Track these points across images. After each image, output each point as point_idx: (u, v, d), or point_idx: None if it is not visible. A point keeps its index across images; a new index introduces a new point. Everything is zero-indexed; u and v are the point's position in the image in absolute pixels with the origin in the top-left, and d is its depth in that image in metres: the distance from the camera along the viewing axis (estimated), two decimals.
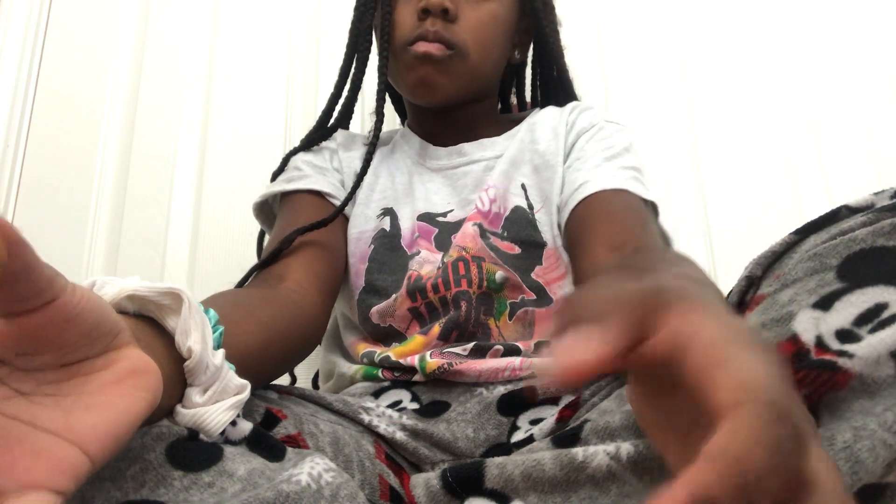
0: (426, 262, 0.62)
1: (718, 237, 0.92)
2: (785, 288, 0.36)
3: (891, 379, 0.29)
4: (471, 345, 0.57)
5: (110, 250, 0.94)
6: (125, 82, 1.02)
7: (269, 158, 0.95)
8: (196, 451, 0.31)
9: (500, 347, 0.58)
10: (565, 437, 0.41)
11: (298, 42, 1.04)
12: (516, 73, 0.82)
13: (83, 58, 1.03)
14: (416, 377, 0.56)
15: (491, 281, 0.60)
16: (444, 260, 0.62)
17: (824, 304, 0.32)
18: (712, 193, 0.94)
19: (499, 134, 0.71)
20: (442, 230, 0.65)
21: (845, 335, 0.31)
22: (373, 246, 0.65)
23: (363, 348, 0.62)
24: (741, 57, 1.00)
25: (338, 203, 0.65)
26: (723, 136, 0.96)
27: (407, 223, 0.66)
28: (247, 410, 0.40)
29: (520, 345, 0.58)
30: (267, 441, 0.36)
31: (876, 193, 0.36)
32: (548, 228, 0.64)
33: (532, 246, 0.63)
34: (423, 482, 0.43)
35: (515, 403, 0.54)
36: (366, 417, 0.51)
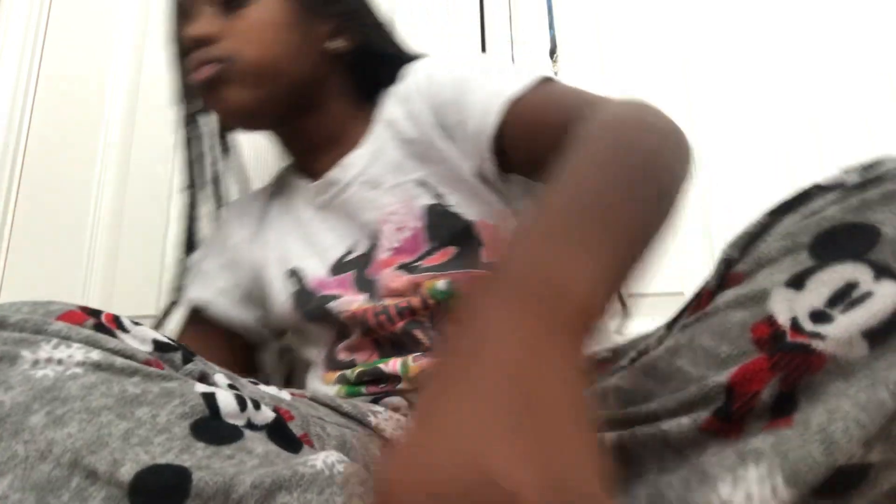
0: (353, 302, 0.60)
1: (718, 238, 0.92)
2: (761, 268, 0.36)
3: (864, 359, 0.29)
4: None
5: (110, 250, 0.94)
6: (125, 82, 1.02)
7: (270, 157, 0.95)
8: (219, 429, 0.33)
9: None
10: None
11: None
12: (370, 60, 0.70)
13: (83, 58, 1.03)
14: (401, 385, 0.55)
15: (437, 293, 0.57)
16: (376, 302, 0.59)
17: (797, 282, 0.33)
18: (712, 193, 0.94)
19: (361, 143, 0.65)
20: (357, 270, 0.62)
21: (819, 316, 0.31)
22: (298, 311, 0.64)
23: (333, 376, 0.61)
24: (741, 56, 1.00)
25: (225, 314, 0.67)
26: (723, 136, 0.96)
27: (316, 278, 0.63)
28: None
29: None
30: (286, 433, 0.37)
31: (846, 171, 0.37)
32: (466, 203, 0.59)
33: (463, 235, 0.58)
34: None
35: None
36: (373, 420, 0.51)
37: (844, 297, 0.31)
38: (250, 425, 0.36)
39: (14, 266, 0.95)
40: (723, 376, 0.33)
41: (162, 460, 0.30)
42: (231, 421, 0.34)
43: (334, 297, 0.61)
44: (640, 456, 0.37)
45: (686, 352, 0.38)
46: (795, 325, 0.31)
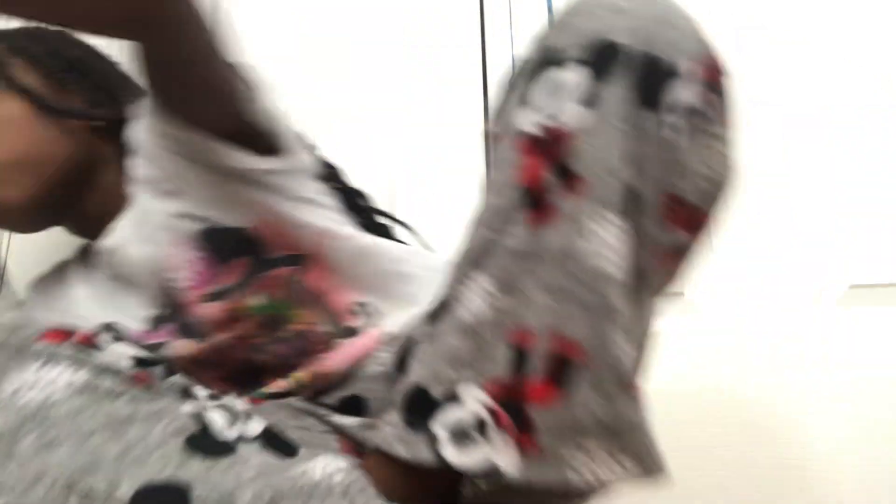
0: (185, 346, 0.57)
1: (718, 238, 0.92)
2: (503, 117, 0.43)
3: (591, 120, 0.38)
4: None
5: None
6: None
7: None
8: (213, 443, 0.33)
9: (328, 335, 0.56)
10: None
11: (297, 40, 1.04)
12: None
13: None
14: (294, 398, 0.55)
15: (255, 309, 0.56)
16: (206, 342, 0.56)
17: (522, 101, 0.39)
18: None
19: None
20: (174, 320, 0.59)
21: (551, 116, 0.39)
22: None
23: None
24: (740, 56, 1.00)
25: None
26: None
27: (135, 333, 0.60)
28: None
29: (349, 322, 0.57)
30: (279, 439, 0.38)
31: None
32: (230, 213, 0.57)
33: (245, 243, 0.57)
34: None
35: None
36: (326, 414, 0.52)
37: (557, 92, 0.38)
38: (242, 438, 0.36)
39: None
40: (515, 178, 0.38)
41: (160, 477, 0.30)
42: (223, 435, 0.34)
43: (164, 344, 0.58)
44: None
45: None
46: (540, 126, 0.38)
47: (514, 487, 0.36)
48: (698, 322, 0.89)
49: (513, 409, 0.34)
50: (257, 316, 0.56)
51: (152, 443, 0.31)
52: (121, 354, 0.37)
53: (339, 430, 0.51)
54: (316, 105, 0.99)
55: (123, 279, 0.62)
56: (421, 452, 0.35)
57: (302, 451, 0.38)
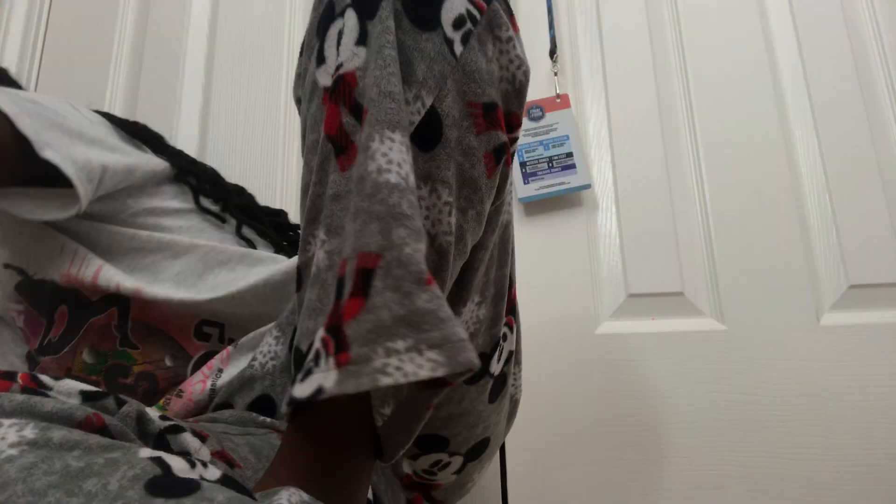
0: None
1: (718, 238, 0.92)
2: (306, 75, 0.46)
3: (366, 54, 0.40)
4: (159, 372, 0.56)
5: None
6: (124, 82, 1.02)
7: (268, 154, 0.95)
8: (175, 484, 0.32)
9: (177, 368, 0.57)
10: None
11: (296, 35, 1.04)
12: None
13: (84, 56, 1.03)
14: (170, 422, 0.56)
15: (89, 368, 0.55)
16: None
17: (320, 59, 0.42)
18: (711, 193, 0.94)
19: None
20: (30, 376, 0.59)
21: (324, 59, 0.42)
22: None
23: None
24: (740, 55, 1.00)
25: None
26: (722, 136, 0.96)
27: None
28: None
29: (201, 347, 0.58)
30: (239, 485, 0.37)
31: None
32: (41, 264, 0.56)
33: (59, 295, 0.56)
34: None
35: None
36: (264, 419, 0.52)
37: (339, 39, 0.40)
38: (203, 479, 0.35)
39: None
40: (323, 131, 0.40)
41: None
42: (185, 475, 0.33)
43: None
44: None
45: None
46: (332, 76, 0.40)
47: (385, 405, 0.39)
48: (698, 322, 0.89)
49: (334, 332, 0.35)
50: (96, 375, 0.55)
51: (112, 493, 0.30)
52: (70, 390, 0.36)
53: (274, 428, 0.51)
54: None
55: None
56: (286, 406, 0.37)
57: (258, 495, 0.37)
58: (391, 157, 0.37)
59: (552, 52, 0.98)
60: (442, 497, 0.62)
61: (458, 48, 0.40)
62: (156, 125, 0.99)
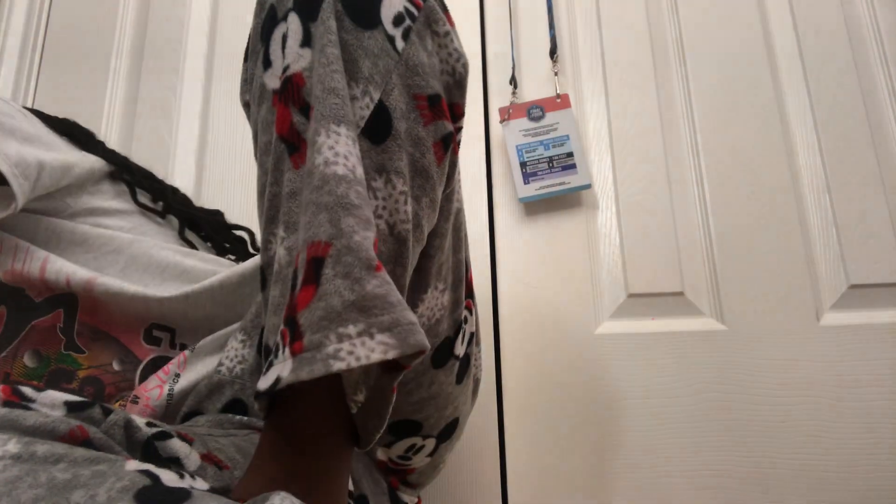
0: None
1: (718, 238, 0.92)
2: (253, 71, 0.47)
3: (310, 54, 0.41)
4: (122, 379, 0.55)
5: None
6: (124, 82, 1.02)
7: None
8: (164, 494, 0.31)
9: (125, 372, 0.55)
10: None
11: None
12: None
13: (84, 56, 1.03)
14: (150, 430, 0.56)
15: (30, 373, 0.53)
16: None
17: (266, 63, 0.43)
18: (712, 193, 0.94)
19: None
20: None
21: (285, 63, 0.43)
22: None
23: None
24: (740, 55, 1.00)
25: None
26: (723, 136, 0.96)
27: None
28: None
29: (149, 351, 0.57)
30: (227, 496, 0.37)
31: None
32: None
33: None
34: None
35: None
36: (241, 418, 0.52)
37: (283, 42, 0.42)
38: (193, 488, 0.34)
39: None
40: (275, 132, 0.42)
41: None
42: (175, 485, 0.33)
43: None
44: None
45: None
46: (280, 78, 0.41)
47: (358, 392, 0.40)
48: (698, 322, 0.89)
49: (290, 323, 0.36)
50: (37, 380, 0.53)
51: (101, 503, 0.30)
52: (54, 401, 0.36)
53: (253, 426, 0.51)
54: None
55: None
56: (256, 402, 0.38)
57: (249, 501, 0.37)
58: (337, 150, 0.38)
59: (552, 52, 0.98)
60: (416, 480, 0.63)
61: (399, 44, 0.42)
62: (156, 125, 0.99)
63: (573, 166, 0.91)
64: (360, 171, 0.39)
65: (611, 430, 0.84)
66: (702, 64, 1.00)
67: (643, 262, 0.91)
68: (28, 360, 0.53)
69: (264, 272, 0.43)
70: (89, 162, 0.60)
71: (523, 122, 0.94)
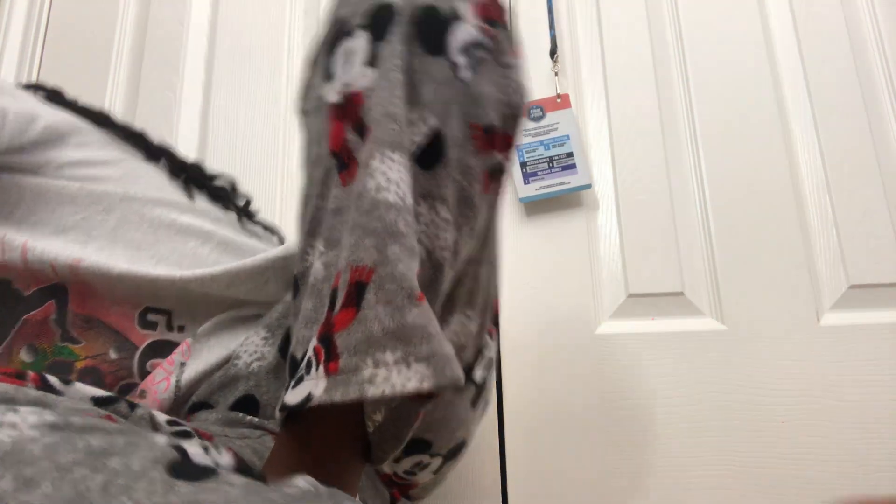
0: None
1: (718, 238, 0.92)
2: (308, 94, 0.47)
3: (376, 74, 0.41)
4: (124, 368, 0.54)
5: None
6: (124, 82, 1.02)
7: (269, 153, 0.95)
8: (194, 468, 0.33)
9: (123, 360, 0.54)
10: None
11: (296, 35, 1.04)
12: None
13: (84, 56, 1.03)
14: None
15: (32, 366, 0.51)
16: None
17: (327, 76, 0.43)
18: (712, 193, 0.94)
19: None
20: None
21: (344, 84, 0.43)
22: None
23: None
24: (739, 55, 1.00)
25: None
26: (723, 135, 0.96)
27: None
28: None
29: (147, 336, 0.55)
30: (251, 471, 0.38)
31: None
32: None
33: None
34: None
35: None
36: (252, 419, 0.52)
37: (349, 60, 0.42)
38: (218, 464, 0.35)
39: None
40: (326, 145, 0.42)
41: (148, 502, 0.29)
42: (202, 460, 0.34)
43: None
44: None
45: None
46: (340, 93, 0.42)
47: (377, 412, 0.41)
48: (698, 322, 0.89)
49: (325, 342, 0.37)
50: (37, 373, 0.53)
51: (135, 471, 0.31)
52: (82, 395, 0.36)
53: (260, 427, 0.51)
54: None
55: None
56: (279, 412, 0.39)
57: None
58: (390, 176, 0.38)
59: (552, 52, 0.98)
60: (417, 494, 0.63)
61: (464, 73, 0.42)
62: (156, 125, 0.99)
63: (573, 166, 0.91)
64: (409, 199, 0.39)
65: (610, 430, 0.84)
66: (702, 64, 1.00)
67: (643, 262, 0.91)
68: (25, 356, 0.51)
69: (297, 281, 0.44)
70: (63, 116, 0.56)
71: (524, 123, 0.94)
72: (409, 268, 0.37)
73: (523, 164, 0.92)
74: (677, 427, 0.84)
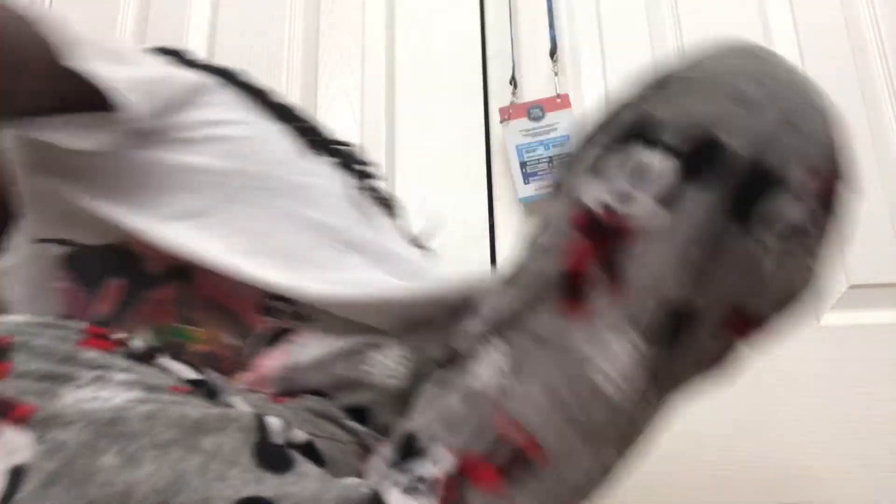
0: None
1: None
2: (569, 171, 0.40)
3: (667, 223, 0.33)
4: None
5: None
6: None
7: None
8: (275, 456, 0.34)
9: (239, 347, 0.52)
10: None
11: (296, 35, 1.04)
12: None
13: None
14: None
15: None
16: None
17: (595, 170, 0.35)
18: None
19: None
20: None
21: (624, 197, 0.34)
22: None
23: None
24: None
25: None
26: None
27: None
28: None
29: (266, 324, 0.52)
30: (317, 453, 0.39)
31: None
32: (89, 230, 0.49)
33: (115, 260, 0.50)
34: None
35: None
36: (352, 424, 0.52)
37: (635, 175, 0.34)
38: (290, 444, 0.36)
39: None
40: (559, 256, 0.36)
41: (245, 493, 0.30)
42: (278, 441, 0.35)
43: None
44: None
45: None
46: (603, 206, 0.34)
47: None
48: None
49: (458, 484, 0.35)
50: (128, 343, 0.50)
51: (227, 455, 0.32)
52: (177, 371, 0.36)
53: (355, 435, 0.49)
54: (317, 85, 0.99)
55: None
56: (380, 486, 0.37)
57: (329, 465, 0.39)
58: (620, 359, 0.34)
59: (552, 52, 0.98)
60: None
61: (768, 265, 0.34)
62: None
63: None
64: (628, 391, 0.35)
65: None
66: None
67: None
68: (140, 335, 0.48)
69: (456, 354, 0.40)
70: (189, 74, 0.53)
71: (523, 123, 0.94)
72: (585, 472, 0.36)
73: (523, 165, 0.92)
74: (676, 427, 0.84)
